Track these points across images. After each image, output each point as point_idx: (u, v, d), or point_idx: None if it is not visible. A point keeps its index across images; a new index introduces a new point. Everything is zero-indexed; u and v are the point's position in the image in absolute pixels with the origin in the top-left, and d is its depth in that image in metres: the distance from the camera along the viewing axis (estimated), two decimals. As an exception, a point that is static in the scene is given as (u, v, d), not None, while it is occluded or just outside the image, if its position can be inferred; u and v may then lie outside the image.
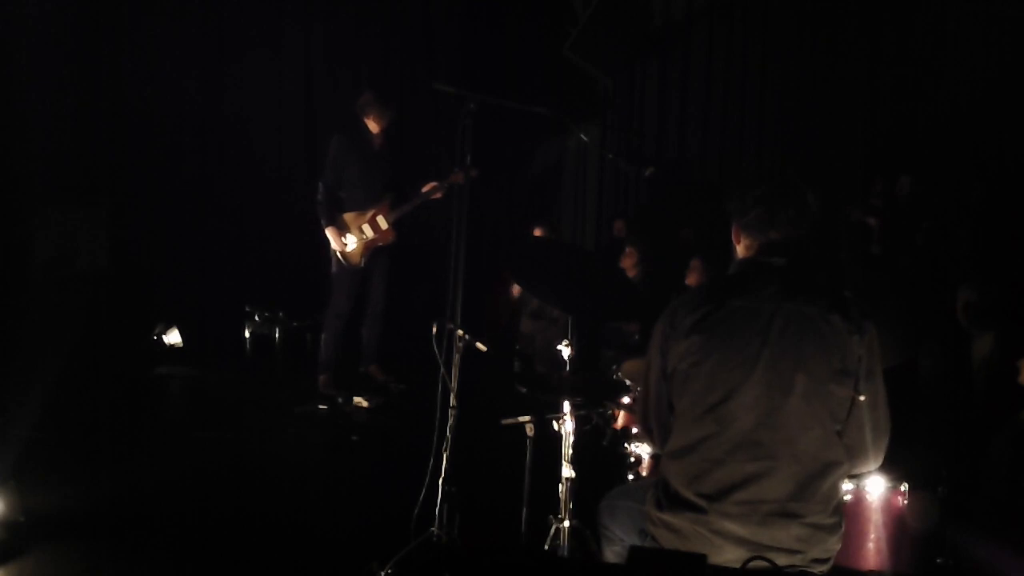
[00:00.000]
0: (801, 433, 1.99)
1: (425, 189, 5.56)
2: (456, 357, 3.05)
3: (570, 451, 2.84)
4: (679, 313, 2.12)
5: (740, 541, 2.00)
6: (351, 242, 5.46)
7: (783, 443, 1.99)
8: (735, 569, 1.95)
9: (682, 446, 2.09)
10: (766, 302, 2.04)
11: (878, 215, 5.86)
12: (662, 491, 2.13)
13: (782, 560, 1.98)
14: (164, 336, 6.53)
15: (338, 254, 5.49)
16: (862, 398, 2.04)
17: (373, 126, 5.49)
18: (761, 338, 2.01)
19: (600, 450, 3.78)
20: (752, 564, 1.92)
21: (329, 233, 5.44)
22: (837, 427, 2.04)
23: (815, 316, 2.02)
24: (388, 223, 5.55)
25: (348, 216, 5.49)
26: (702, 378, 2.05)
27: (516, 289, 6.80)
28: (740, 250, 2.20)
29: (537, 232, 7.03)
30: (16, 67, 5.96)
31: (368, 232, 5.51)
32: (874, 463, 2.15)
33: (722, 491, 2.01)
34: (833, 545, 2.06)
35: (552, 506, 2.86)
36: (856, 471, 2.16)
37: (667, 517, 2.08)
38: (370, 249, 5.54)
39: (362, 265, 5.53)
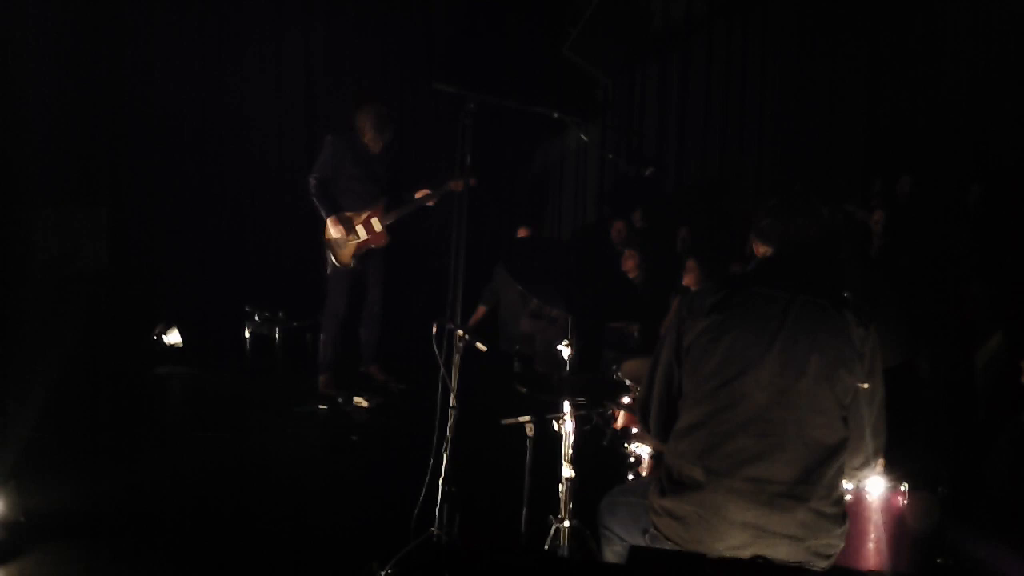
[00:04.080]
0: (811, 415, 2.04)
1: (419, 195, 5.55)
2: (456, 357, 3.05)
3: (570, 451, 2.84)
4: (697, 298, 2.21)
5: (744, 526, 2.01)
6: (344, 242, 5.45)
7: (793, 424, 2.04)
8: (735, 564, 1.95)
9: (692, 423, 2.13)
10: (782, 292, 2.13)
11: (880, 210, 5.87)
12: (665, 478, 2.16)
13: (783, 547, 2.00)
14: (164, 336, 6.53)
15: (331, 255, 5.48)
16: (865, 385, 2.09)
17: (368, 141, 5.48)
18: (778, 320, 2.09)
19: (600, 450, 3.78)
20: (751, 560, 1.93)
21: (330, 223, 5.41)
22: (843, 413, 2.09)
23: (828, 308, 2.10)
24: (382, 226, 5.54)
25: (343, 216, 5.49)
26: (718, 354, 2.10)
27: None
28: (758, 256, 2.32)
29: (522, 233, 7.07)
30: (16, 67, 5.96)
31: (362, 233, 5.50)
32: (870, 460, 2.18)
33: (731, 465, 2.04)
34: (835, 540, 2.07)
35: (552, 506, 2.86)
36: (852, 466, 2.18)
37: (670, 504, 2.10)
38: (362, 250, 5.54)
39: (353, 265, 5.52)
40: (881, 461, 2.23)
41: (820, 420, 2.04)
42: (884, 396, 2.15)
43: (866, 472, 2.23)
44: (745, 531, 2.02)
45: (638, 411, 2.38)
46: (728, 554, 2.01)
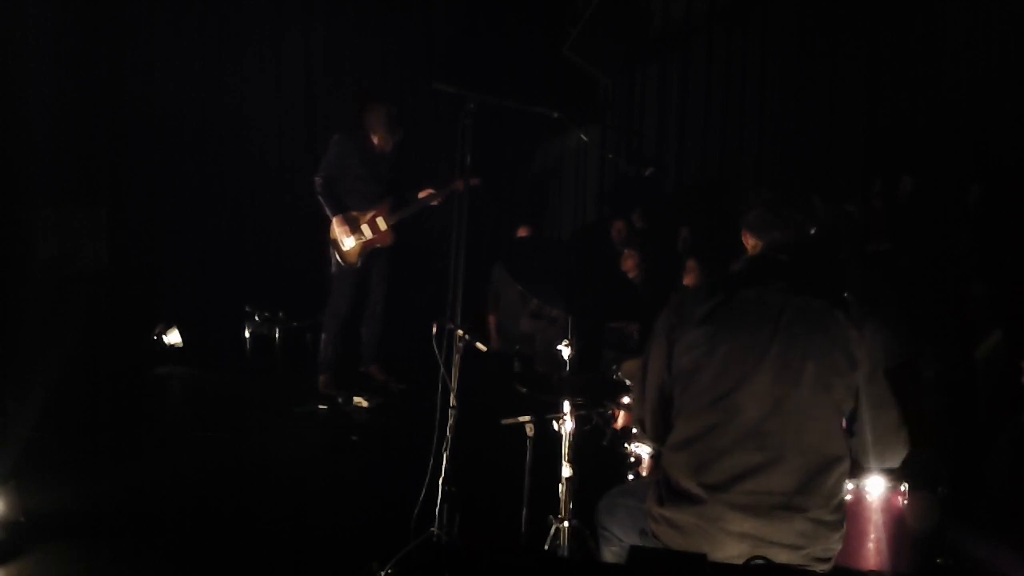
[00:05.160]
0: (808, 424, 2.01)
1: (423, 195, 5.55)
2: (456, 357, 3.05)
3: (570, 451, 2.83)
4: (687, 304, 2.15)
5: (742, 536, 2.00)
6: (349, 241, 5.45)
7: (791, 434, 2.01)
8: (735, 567, 1.95)
9: (687, 436, 2.10)
10: (775, 295, 2.07)
11: (872, 210, 5.88)
12: (664, 486, 2.14)
13: (783, 556, 1.99)
14: (164, 336, 6.54)
15: (336, 255, 5.48)
16: (860, 386, 2.05)
17: (378, 140, 5.50)
18: (771, 328, 2.04)
19: (600, 450, 3.77)
20: (750, 561, 1.93)
21: (335, 222, 5.41)
22: (842, 421, 2.05)
23: (821, 310, 2.05)
24: (387, 225, 5.54)
25: (348, 215, 5.49)
26: (712, 367, 2.06)
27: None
28: (748, 250, 2.26)
29: (521, 232, 7.06)
30: (16, 67, 5.96)
31: (367, 232, 5.50)
32: (879, 461, 2.14)
33: (728, 481, 2.01)
34: (834, 544, 2.06)
35: (552, 506, 2.86)
36: (872, 466, 2.16)
37: (668, 513, 2.09)
38: (367, 249, 5.54)
39: (358, 265, 5.52)
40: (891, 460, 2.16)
41: (818, 428, 2.01)
42: (893, 396, 2.08)
43: (875, 470, 2.20)
44: (744, 541, 2.00)
45: (634, 421, 2.37)
46: (724, 561, 2.00)
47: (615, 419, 3.31)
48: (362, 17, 7.71)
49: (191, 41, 7.13)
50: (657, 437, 2.26)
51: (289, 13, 7.50)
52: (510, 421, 2.93)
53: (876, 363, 2.05)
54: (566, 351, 3.00)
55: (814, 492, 2.00)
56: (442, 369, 3.08)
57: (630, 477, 3.07)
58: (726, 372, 2.05)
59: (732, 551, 2.01)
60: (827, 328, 2.03)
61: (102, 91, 6.66)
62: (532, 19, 8.22)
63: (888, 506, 2.49)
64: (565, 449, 2.84)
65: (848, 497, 2.45)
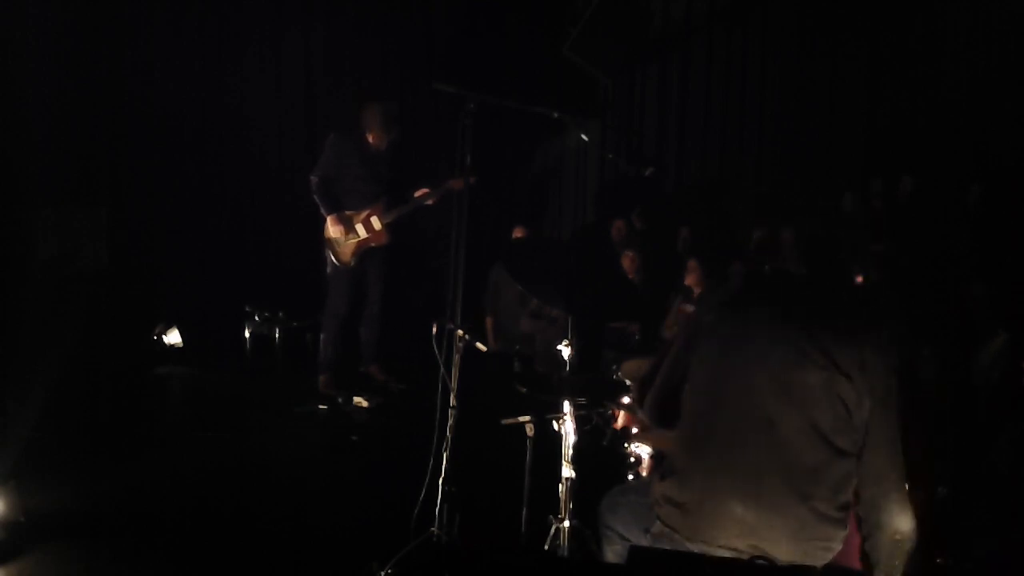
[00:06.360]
0: (815, 415, 2.01)
1: (418, 194, 5.54)
2: (456, 357, 3.05)
3: (570, 451, 2.83)
4: (713, 293, 2.34)
5: (742, 519, 2.02)
6: (343, 241, 5.44)
7: (797, 425, 2.02)
8: (734, 565, 1.95)
9: (696, 415, 2.15)
10: (791, 291, 2.17)
11: (872, 210, 5.88)
12: (668, 465, 2.19)
13: (781, 544, 2.00)
14: (164, 336, 6.53)
15: (331, 255, 5.47)
16: (868, 399, 2.03)
17: (372, 138, 5.49)
18: (782, 321, 2.09)
19: (600, 450, 3.78)
20: (751, 561, 1.93)
21: (329, 221, 5.40)
22: (851, 416, 2.03)
23: (833, 309, 2.11)
24: (382, 224, 5.53)
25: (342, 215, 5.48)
26: (721, 350, 2.12)
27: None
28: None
29: (517, 233, 7.06)
30: (16, 67, 5.96)
31: (361, 232, 5.49)
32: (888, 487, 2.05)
33: (732, 461, 2.04)
34: (835, 543, 2.06)
35: (552, 506, 2.86)
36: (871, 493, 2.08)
37: (670, 490, 2.12)
38: (362, 249, 5.53)
39: (352, 264, 5.52)
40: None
41: (825, 420, 2.02)
42: (897, 438, 2.03)
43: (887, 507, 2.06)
44: (742, 524, 2.02)
45: (636, 389, 2.39)
46: (724, 543, 2.02)
47: (615, 419, 3.32)
48: (362, 17, 7.70)
49: (191, 41, 7.13)
50: (653, 413, 2.31)
51: (289, 13, 7.49)
52: (510, 421, 2.94)
53: (885, 385, 2.04)
54: (566, 351, 3.00)
55: (819, 482, 2.01)
56: (442, 369, 3.08)
57: (630, 477, 3.07)
58: (734, 359, 2.10)
59: (731, 532, 2.03)
60: (838, 330, 2.06)
61: (102, 91, 6.65)
62: (532, 19, 8.22)
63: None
64: (565, 449, 2.84)
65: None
